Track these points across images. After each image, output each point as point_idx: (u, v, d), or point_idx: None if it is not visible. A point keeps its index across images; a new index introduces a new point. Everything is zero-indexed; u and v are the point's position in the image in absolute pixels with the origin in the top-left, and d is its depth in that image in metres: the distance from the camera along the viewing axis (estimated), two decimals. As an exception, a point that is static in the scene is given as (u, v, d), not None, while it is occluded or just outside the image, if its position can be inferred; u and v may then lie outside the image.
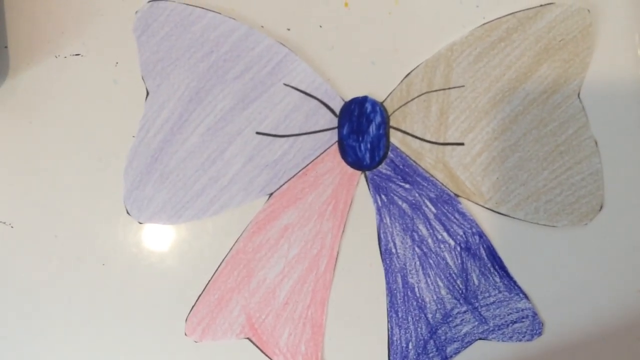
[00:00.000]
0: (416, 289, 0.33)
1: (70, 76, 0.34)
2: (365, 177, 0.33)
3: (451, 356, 0.33)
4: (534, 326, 0.32)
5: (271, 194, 0.33)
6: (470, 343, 0.33)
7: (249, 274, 0.33)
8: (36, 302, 0.34)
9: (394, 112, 0.33)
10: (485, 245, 0.33)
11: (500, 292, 0.33)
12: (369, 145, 0.33)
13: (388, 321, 0.33)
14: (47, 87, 0.34)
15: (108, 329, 0.33)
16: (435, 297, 0.33)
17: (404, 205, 0.33)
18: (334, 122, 0.33)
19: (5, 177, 0.34)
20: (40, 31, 0.34)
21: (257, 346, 0.33)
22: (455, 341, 0.33)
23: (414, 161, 0.33)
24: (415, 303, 0.33)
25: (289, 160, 0.33)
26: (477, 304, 0.33)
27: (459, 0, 0.33)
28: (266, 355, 0.33)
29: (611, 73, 0.33)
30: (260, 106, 0.33)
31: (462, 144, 0.33)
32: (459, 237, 0.33)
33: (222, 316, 0.33)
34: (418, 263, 0.33)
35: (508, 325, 0.33)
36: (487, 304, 0.33)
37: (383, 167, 0.33)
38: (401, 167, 0.33)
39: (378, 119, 0.33)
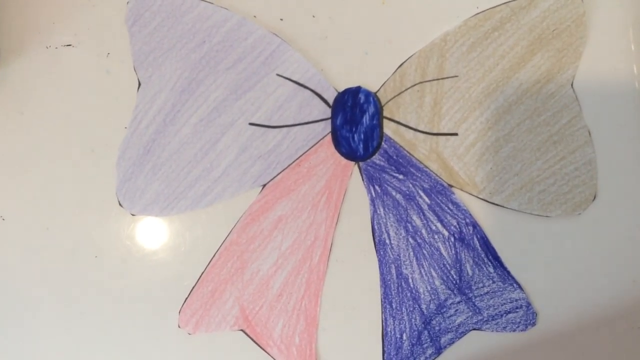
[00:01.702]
0: (410, 280, 0.33)
1: (61, 67, 0.34)
2: (359, 167, 0.33)
3: (445, 347, 0.33)
4: (528, 316, 0.32)
5: (264, 185, 0.33)
6: (464, 333, 0.33)
7: (243, 266, 0.33)
8: (28, 295, 0.33)
9: (387, 102, 0.33)
10: (479, 236, 0.33)
11: (494, 282, 0.33)
12: (362, 136, 0.33)
13: (382, 312, 0.33)
14: (38, 78, 0.34)
15: (101, 321, 0.33)
16: (429, 288, 0.33)
17: (398, 196, 0.33)
18: (328, 112, 0.33)
19: (-4, 169, 0.34)
20: (31, 21, 0.34)
21: (251, 338, 0.33)
22: (449, 332, 0.33)
23: (408, 152, 0.33)
24: (409, 294, 0.33)
25: (282, 151, 0.33)
26: (471, 295, 0.33)
27: (453, -10, 0.33)
28: (260, 347, 0.33)
29: (604, 63, 0.33)
30: (253, 97, 0.33)
31: (455, 134, 0.33)
32: (452, 227, 0.33)
33: (215, 308, 0.33)
34: (412, 254, 0.33)
35: (502, 315, 0.32)
36: (481, 295, 0.33)
37: (377, 158, 0.33)
38: (395, 157, 0.33)
39: (371, 109, 0.33)
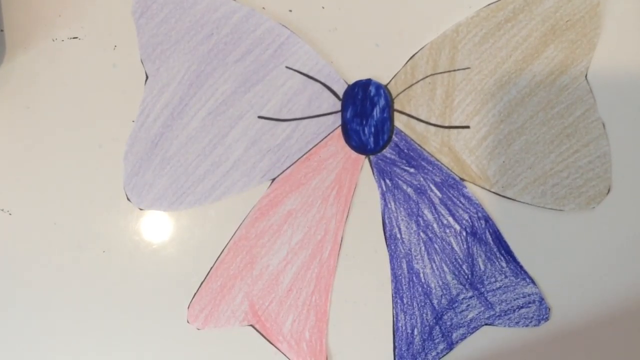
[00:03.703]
0: (421, 275, 0.32)
1: (68, 60, 0.33)
2: (370, 161, 0.33)
3: (457, 342, 0.32)
4: (541, 311, 0.32)
5: (274, 179, 0.33)
6: (476, 329, 0.32)
7: (252, 261, 0.33)
8: (35, 290, 0.33)
9: (398, 95, 0.32)
10: (491, 230, 0.32)
11: (506, 277, 0.32)
12: (373, 129, 0.32)
13: (393, 307, 0.32)
14: (44, 72, 0.33)
15: (109, 317, 0.33)
16: (440, 283, 0.32)
17: (409, 190, 0.33)
18: (338, 105, 0.33)
19: (3, 163, 0.33)
20: (37, 14, 0.33)
21: (260, 333, 0.33)
22: (461, 327, 0.32)
23: (419, 145, 0.33)
24: (420, 289, 0.32)
25: (291, 144, 0.33)
26: (483, 290, 0.32)
27: (464, -19, 0.33)
28: (270, 342, 0.33)
29: (619, 54, 0.32)
30: (262, 90, 0.33)
31: (467, 127, 0.32)
32: (464, 221, 0.32)
33: (225, 303, 0.33)
34: (423, 248, 0.32)
35: (514, 310, 0.32)
36: (493, 289, 0.32)
37: (387, 151, 0.33)
38: (406, 151, 0.33)
39: (382, 102, 0.32)
